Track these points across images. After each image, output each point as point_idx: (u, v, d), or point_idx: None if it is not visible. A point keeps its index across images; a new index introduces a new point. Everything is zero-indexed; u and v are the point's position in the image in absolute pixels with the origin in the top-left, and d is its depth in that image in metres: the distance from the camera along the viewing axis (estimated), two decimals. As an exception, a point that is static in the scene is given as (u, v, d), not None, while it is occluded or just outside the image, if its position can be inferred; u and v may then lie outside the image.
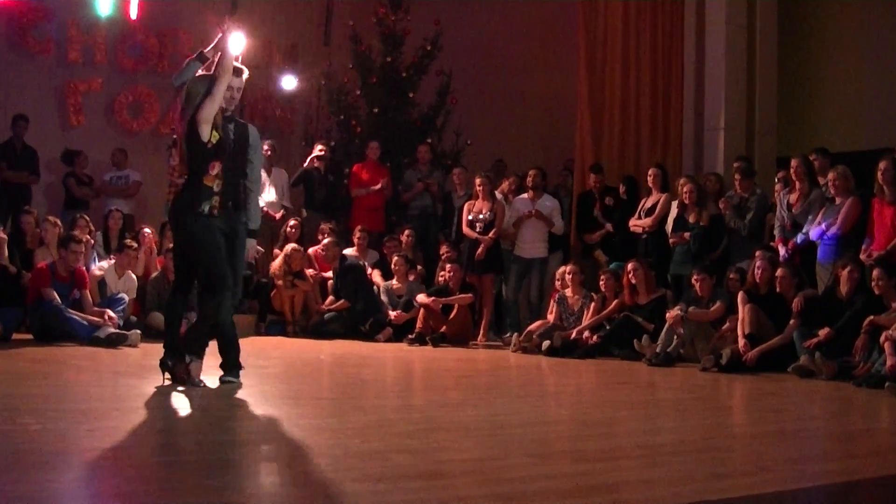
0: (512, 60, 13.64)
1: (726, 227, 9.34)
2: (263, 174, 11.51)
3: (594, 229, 10.58)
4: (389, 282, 10.68)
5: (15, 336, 8.42)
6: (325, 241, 10.66)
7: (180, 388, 5.55)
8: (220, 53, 5.71)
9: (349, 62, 12.73)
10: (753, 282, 8.29)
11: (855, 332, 7.35)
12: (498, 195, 10.51)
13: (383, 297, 10.54)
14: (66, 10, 12.02)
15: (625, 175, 10.70)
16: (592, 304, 9.29)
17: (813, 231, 8.44)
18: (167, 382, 5.67)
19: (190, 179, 5.70)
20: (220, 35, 5.79)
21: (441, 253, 10.67)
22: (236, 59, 5.95)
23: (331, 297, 10.59)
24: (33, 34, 11.92)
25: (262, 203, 11.30)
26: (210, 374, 5.79)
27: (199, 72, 5.87)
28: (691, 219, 9.43)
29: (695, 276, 8.64)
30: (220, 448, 4.08)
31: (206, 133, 5.59)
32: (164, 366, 5.75)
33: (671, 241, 9.57)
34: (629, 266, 9.05)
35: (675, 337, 8.33)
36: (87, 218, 10.09)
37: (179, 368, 5.66)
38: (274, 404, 5.45)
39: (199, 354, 5.68)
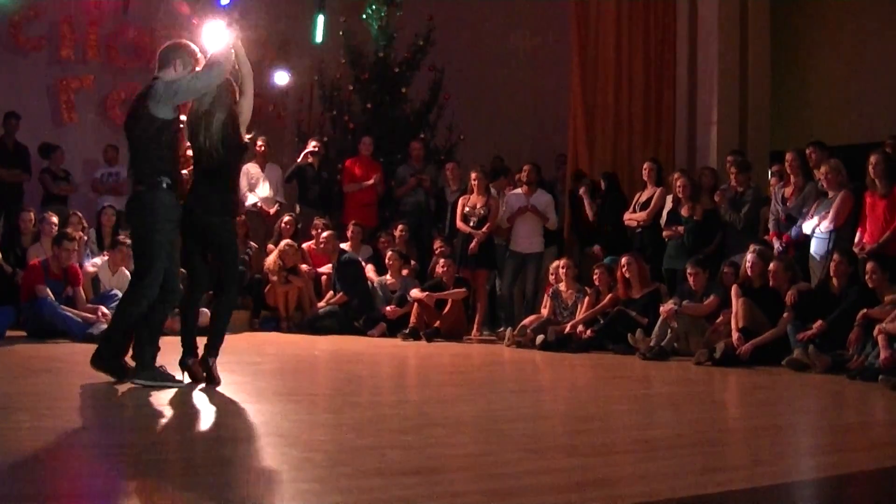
0: (504, 55, 13.64)
1: (722, 220, 9.35)
2: (257, 170, 11.58)
3: (587, 229, 10.64)
4: (383, 277, 10.67)
5: (9, 334, 8.40)
6: (325, 234, 10.65)
7: (185, 387, 5.54)
8: (236, 56, 5.67)
9: (341, 58, 12.70)
10: (747, 275, 8.29)
11: (848, 326, 7.36)
12: (492, 190, 10.51)
13: (377, 293, 10.55)
14: (58, 6, 11.97)
15: (605, 172, 10.75)
16: (586, 299, 9.29)
17: (806, 224, 8.45)
18: (187, 381, 5.65)
19: (223, 182, 5.69)
20: (224, 27, 5.72)
21: (435, 248, 10.67)
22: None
23: (330, 293, 10.60)
24: (25, 31, 11.87)
25: (256, 199, 11.47)
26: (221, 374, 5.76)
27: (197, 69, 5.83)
28: (684, 213, 9.44)
29: (689, 270, 8.64)
30: (214, 445, 4.08)
31: (245, 134, 5.69)
32: (183, 365, 5.73)
33: (664, 234, 9.58)
34: (623, 260, 9.04)
35: (669, 331, 8.33)
36: (80, 215, 10.07)
37: (196, 366, 5.67)
38: (268, 400, 5.45)
39: (216, 353, 5.69)
